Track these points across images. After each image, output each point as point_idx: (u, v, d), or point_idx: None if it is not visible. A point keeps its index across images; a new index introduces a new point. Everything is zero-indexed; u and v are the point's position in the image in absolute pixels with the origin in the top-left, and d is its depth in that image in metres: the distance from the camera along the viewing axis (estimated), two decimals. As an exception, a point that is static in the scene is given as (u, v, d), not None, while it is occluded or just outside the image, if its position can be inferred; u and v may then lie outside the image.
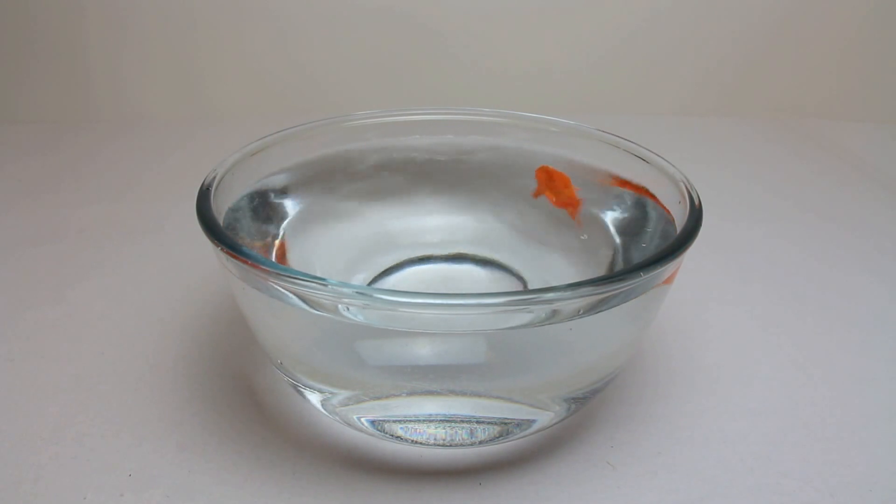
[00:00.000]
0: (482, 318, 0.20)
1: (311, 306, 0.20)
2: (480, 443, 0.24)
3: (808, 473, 0.24)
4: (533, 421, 0.23)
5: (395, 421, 0.23)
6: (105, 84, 0.62)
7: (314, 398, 0.24)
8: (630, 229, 0.28)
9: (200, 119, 0.59)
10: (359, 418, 0.23)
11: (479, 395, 0.22)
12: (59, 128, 0.59)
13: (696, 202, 0.24)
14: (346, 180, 0.32)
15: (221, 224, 0.23)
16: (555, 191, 0.29)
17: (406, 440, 0.24)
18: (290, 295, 0.20)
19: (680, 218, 0.24)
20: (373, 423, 0.23)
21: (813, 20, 0.62)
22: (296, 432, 0.25)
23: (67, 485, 0.23)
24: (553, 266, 0.30)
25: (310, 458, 0.24)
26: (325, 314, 0.20)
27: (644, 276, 0.20)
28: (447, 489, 0.23)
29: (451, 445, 0.24)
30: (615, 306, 0.21)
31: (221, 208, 0.25)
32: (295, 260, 0.28)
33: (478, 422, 0.23)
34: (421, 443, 0.24)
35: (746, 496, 0.23)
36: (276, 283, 0.20)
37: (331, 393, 0.23)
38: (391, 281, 0.30)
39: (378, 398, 0.23)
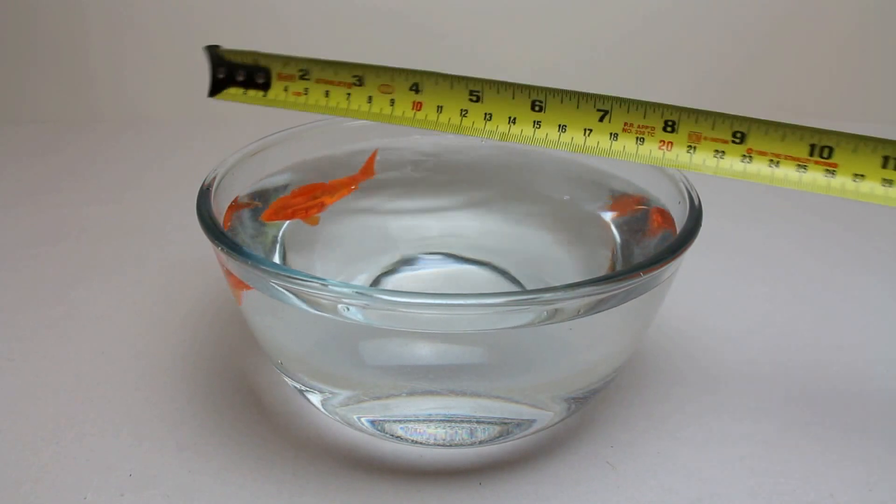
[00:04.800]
0: (482, 318, 0.20)
1: (312, 306, 0.20)
2: (480, 443, 0.24)
3: (808, 473, 0.24)
4: (533, 421, 0.24)
5: (395, 421, 0.23)
6: (106, 85, 0.62)
7: (314, 398, 0.24)
8: (630, 229, 0.28)
9: (200, 119, 0.59)
10: (359, 418, 0.23)
11: (479, 395, 0.22)
12: (60, 128, 0.59)
13: (696, 202, 0.24)
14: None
15: (221, 224, 0.23)
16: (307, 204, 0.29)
17: (406, 440, 0.24)
18: (291, 295, 0.20)
19: (680, 218, 0.24)
20: (373, 423, 0.23)
21: (813, 20, 0.62)
22: (296, 432, 0.25)
23: (67, 485, 0.23)
24: (553, 266, 0.30)
25: (310, 458, 0.24)
26: (325, 314, 0.20)
27: (644, 277, 0.20)
28: (447, 489, 0.23)
29: (451, 445, 0.24)
30: (615, 306, 0.21)
31: (221, 208, 0.25)
32: (295, 260, 0.28)
33: (478, 422, 0.23)
34: (421, 443, 0.24)
35: (746, 496, 0.23)
36: (276, 283, 0.20)
37: (331, 393, 0.23)
38: (391, 281, 0.30)
39: (378, 398, 0.23)
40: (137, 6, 0.61)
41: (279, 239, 0.29)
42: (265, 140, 0.29)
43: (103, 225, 0.41)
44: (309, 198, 0.28)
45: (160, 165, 0.51)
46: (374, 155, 0.30)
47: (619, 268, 0.27)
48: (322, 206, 0.28)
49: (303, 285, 0.20)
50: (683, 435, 0.25)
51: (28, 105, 0.62)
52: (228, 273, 0.23)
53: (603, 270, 0.28)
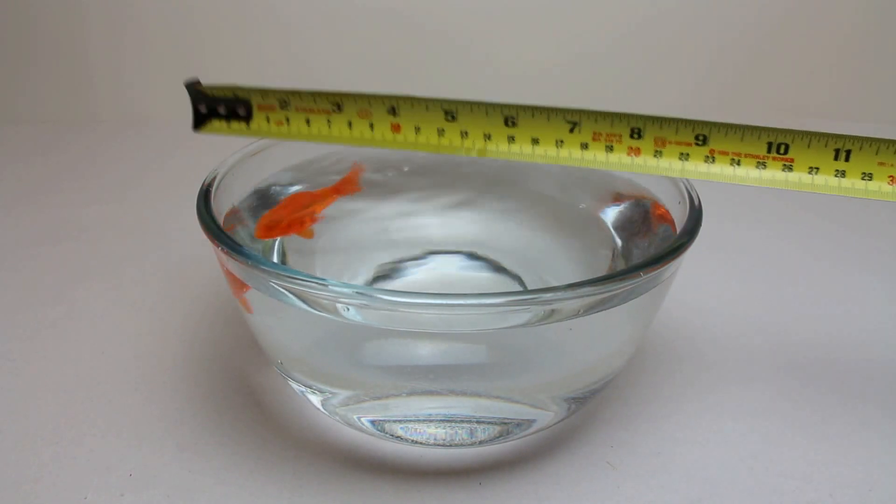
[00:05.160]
0: (482, 318, 0.20)
1: (311, 306, 0.20)
2: (480, 443, 0.24)
3: (808, 473, 0.24)
4: (533, 421, 0.24)
5: (395, 421, 0.23)
6: (106, 85, 0.62)
7: (314, 398, 0.24)
8: (630, 229, 0.28)
9: (201, 119, 0.59)
10: (359, 418, 0.23)
11: (479, 395, 0.22)
12: (60, 128, 0.59)
13: (696, 202, 0.24)
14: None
15: (221, 224, 0.23)
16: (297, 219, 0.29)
17: (406, 440, 0.24)
18: (290, 295, 0.20)
19: (680, 218, 0.24)
20: (373, 423, 0.23)
21: (813, 20, 0.62)
22: (296, 432, 0.25)
23: (67, 485, 0.23)
24: (553, 266, 0.30)
25: (310, 458, 0.24)
26: (325, 314, 0.20)
27: (644, 277, 0.20)
28: (447, 489, 0.23)
29: (451, 445, 0.24)
30: (615, 306, 0.21)
31: (222, 208, 0.25)
32: (294, 260, 0.28)
33: (478, 422, 0.23)
34: (421, 443, 0.24)
35: (746, 496, 0.23)
36: (276, 284, 0.20)
37: (331, 393, 0.23)
38: (391, 281, 0.30)
39: (378, 398, 0.23)
40: (137, 6, 0.61)
41: (279, 239, 0.29)
42: (265, 140, 0.29)
43: (103, 225, 0.41)
44: (298, 207, 0.28)
45: (160, 165, 0.51)
46: (356, 169, 0.30)
47: (618, 268, 0.27)
48: (314, 215, 0.29)
49: (303, 285, 0.20)
50: (683, 435, 0.25)
51: (28, 105, 0.62)
52: (228, 273, 0.23)
53: (603, 270, 0.28)
